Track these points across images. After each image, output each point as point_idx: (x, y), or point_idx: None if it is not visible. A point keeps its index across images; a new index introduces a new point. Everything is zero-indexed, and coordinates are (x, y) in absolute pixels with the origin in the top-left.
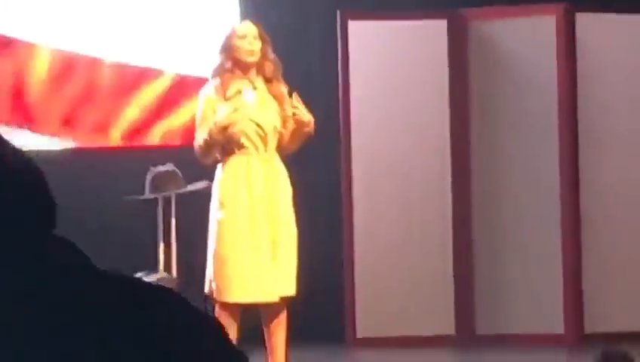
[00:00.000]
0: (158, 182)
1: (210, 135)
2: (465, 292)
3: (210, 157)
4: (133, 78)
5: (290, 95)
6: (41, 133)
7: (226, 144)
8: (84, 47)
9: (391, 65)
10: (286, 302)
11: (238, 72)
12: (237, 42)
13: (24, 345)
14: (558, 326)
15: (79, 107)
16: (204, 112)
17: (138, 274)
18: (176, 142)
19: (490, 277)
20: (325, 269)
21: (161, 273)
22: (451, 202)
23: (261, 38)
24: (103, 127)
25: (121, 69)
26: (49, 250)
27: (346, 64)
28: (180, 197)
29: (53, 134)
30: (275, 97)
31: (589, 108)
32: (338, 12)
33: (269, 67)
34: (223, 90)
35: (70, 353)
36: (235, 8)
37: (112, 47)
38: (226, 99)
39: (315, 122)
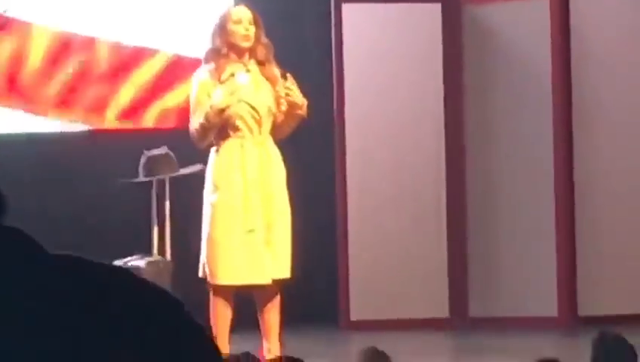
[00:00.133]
0: (152, 166)
1: (206, 118)
2: (459, 275)
3: (206, 141)
4: (129, 58)
5: (284, 77)
6: (35, 114)
7: (221, 127)
8: (80, 26)
9: (385, 48)
10: (280, 284)
11: (232, 56)
12: (232, 27)
13: None
14: (552, 309)
15: (74, 87)
16: (198, 96)
17: (132, 258)
18: (171, 124)
19: (484, 260)
20: (319, 252)
21: (155, 256)
22: (445, 185)
23: (255, 22)
24: (98, 108)
25: (116, 48)
26: None
27: (340, 47)
28: (174, 181)
29: (48, 115)
30: (268, 79)
31: (583, 90)
32: None
33: (261, 50)
34: (217, 74)
35: (20, 342)
36: None
37: (107, 26)
38: (221, 82)
39: (309, 105)
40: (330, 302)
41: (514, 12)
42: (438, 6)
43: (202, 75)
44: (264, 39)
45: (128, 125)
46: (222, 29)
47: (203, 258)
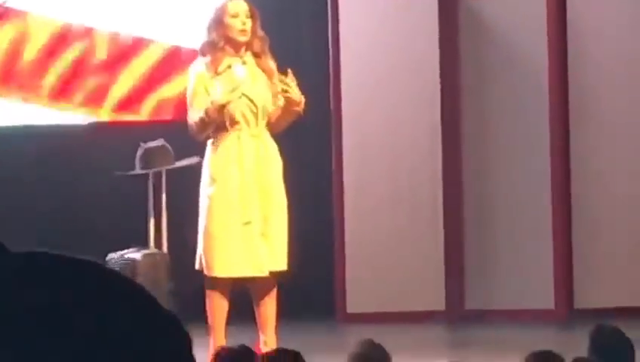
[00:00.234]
0: (149, 158)
1: (207, 114)
2: (455, 268)
3: (204, 134)
4: (127, 49)
5: (279, 71)
6: (32, 104)
7: (221, 122)
8: (77, 16)
9: (381, 42)
10: (276, 277)
11: (229, 50)
12: (229, 21)
13: None
14: (549, 302)
15: (72, 77)
16: (195, 89)
17: (129, 250)
18: (168, 115)
19: (480, 253)
20: (316, 245)
21: (152, 249)
22: (442, 179)
23: (252, 15)
24: (95, 98)
25: (114, 39)
26: None
27: (337, 42)
28: (171, 173)
29: (45, 105)
30: (264, 71)
31: (579, 85)
32: None
33: (257, 43)
34: (214, 67)
35: None
36: None
37: (105, 17)
38: (217, 74)
39: (306, 99)
40: (327, 295)
41: (510, 6)
42: (434, 0)
43: (199, 67)
44: (260, 32)
45: (126, 115)
46: (219, 22)
47: (199, 250)
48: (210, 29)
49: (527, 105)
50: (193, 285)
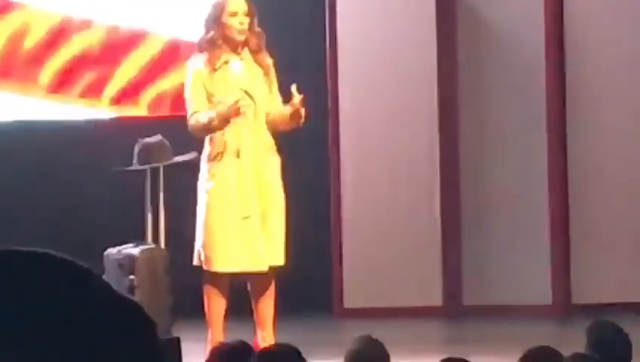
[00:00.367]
0: (147, 154)
1: (210, 124)
2: (452, 263)
3: (204, 136)
4: (126, 41)
5: (281, 77)
6: (31, 97)
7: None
8: (77, 9)
9: (379, 37)
10: (274, 272)
11: (226, 47)
12: (228, 20)
13: None
14: (546, 297)
15: (70, 70)
16: (193, 86)
17: (126, 245)
18: (166, 108)
19: (478, 249)
20: (313, 240)
21: (149, 244)
22: (439, 174)
23: (249, 13)
24: (94, 91)
25: (113, 31)
26: None
27: (334, 37)
28: (168, 168)
29: (43, 98)
30: (261, 67)
31: (577, 80)
32: None
33: (254, 40)
34: (211, 64)
35: None
36: None
37: (104, 9)
38: (215, 70)
39: (303, 93)
40: (324, 291)
41: (509, 5)
42: None
43: (197, 64)
44: (257, 28)
45: (124, 107)
46: (217, 20)
47: (198, 246)
48: (208, 26)
49: (525, 104)
50: (191, 280)
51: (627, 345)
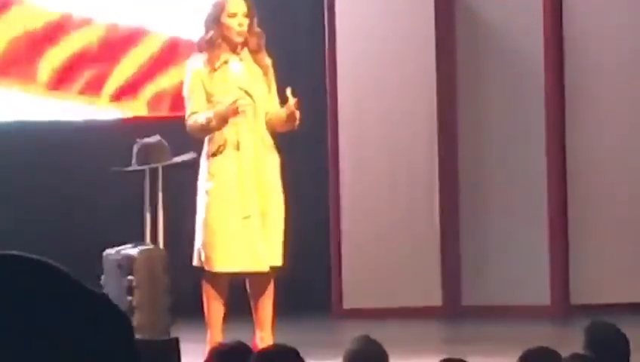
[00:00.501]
0: (145, 154)
1: (209, 124)
2: (451, 263)
3: (203, 136)
4: (125, 39)
5: (279, 80)
6: (30, 94)
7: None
8: (76, 7)
9: (378, 37)
10: (274, 272)
11: (225, 47)
12: (227, 21)
13: None
14: (544, 298)
15: (70, 68)
16: (192, 86)
17: (125, 246)
18: (165, 108)
19: (477, 249)
20: (312, 241)
21: (148, 244)
22: (438, 174)
23: (249, 14)
24: (93, 88)
25: (112, 29)
26: None
27: (333, 36)
28: (167, 169)
29: (42, 95)
30: (260, 67)
31: (576, 80)
32: None
33: (253, 40)
34: (211, 63)
35: None
36: None
37: (104, 7)
38: (214, 70)
39: (302, 93)
40: (323, 291)
41: (507, 5)
42: None
43: (196, 63)
44: (257, 29)
45: (124, 106)
46: (216, 21)
47: (198, 246)
48: (207, 26)
49: (524, 104)
50: (190, 281)
51: (625, 345)
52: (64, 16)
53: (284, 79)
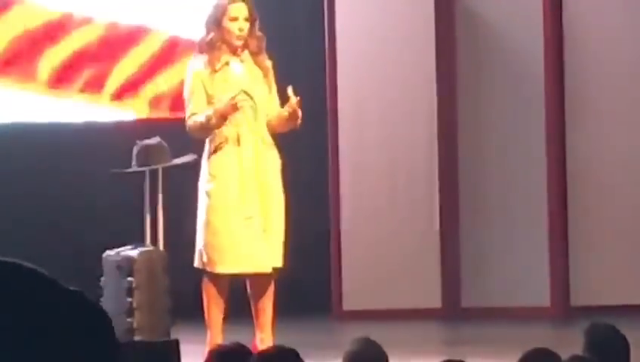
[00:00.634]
0: (145, 156)
1: (208, 121)
2: (451, 265)
3: (203, 136)
4: (125, 38)
5: (279, 80)
6: (31, 93)
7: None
8: (76, 6)
9: (378, 37)
10: (275, 273)
11: (225, 49)
12: (228, 24)
13: None
14: (544, 299)
15: (70, 67)
16: (192, 87)
17: (125, 247)
18: (166, 107)
19: (477, 251)
20: (312, 242)
21: (148, 246)
22: (438, 175)
23: (250, 18)
24: (94, 87)
25: (113, 28)
26: None
27: (333, 37)
28: (167, 170)
29: (44, 93)
30: (261, 69)
31: (575, 79)
32: None
33: (253, 43)
34: (211, 65)
35: None
36: None
37: (104, 6)
38: (215, 71)
39: (302, 94)
40: (323, 292)
41: (507, 4)
42: None
43: (197, 65)
44: (257, 32)
45: (125, 105)
46: (217, 23)
47: (200, 247)
48: (208, 28)
49: (524, 104)
50: (190, 282)
51: (625, 347)
52: (65, 15)
53: (284, 80)
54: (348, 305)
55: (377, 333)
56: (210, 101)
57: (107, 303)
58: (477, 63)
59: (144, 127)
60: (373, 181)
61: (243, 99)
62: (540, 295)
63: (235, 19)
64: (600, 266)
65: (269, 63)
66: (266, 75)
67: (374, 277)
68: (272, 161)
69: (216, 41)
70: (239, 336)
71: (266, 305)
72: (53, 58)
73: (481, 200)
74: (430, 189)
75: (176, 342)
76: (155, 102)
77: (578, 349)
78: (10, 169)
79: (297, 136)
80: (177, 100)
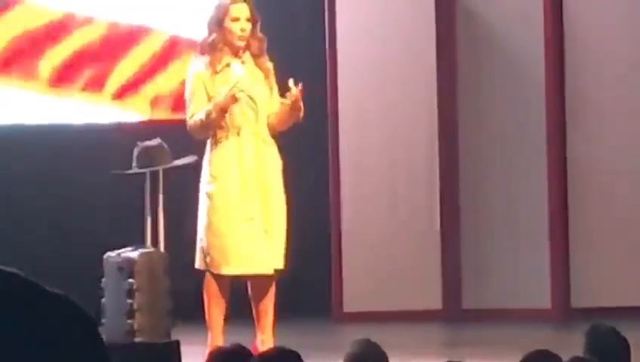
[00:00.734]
0: (146, 157)
1: (208, 116)
2: (452, 266)
3: (204, 135)
4: (127, 38)
5: (280, 78)
6: (32, 92)
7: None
8: (78, 5)
9: (378, 37)
10: (276, 275)
11: (227, 50)
12: (230, 25)
13: None
14: (545, 301)
15: (71, 66)
16: (193, 88)
17: (125, 249)
18: (165, 111)
19: (477, 253)
20: (313, 244)
21: (149, 248)
22: (438, 177)
23: (252, 19)
24: (96, 84)
25: (114, 28)
26: None
27: (334, 38)
28: (168, 172)
29: (45, 92)
30: (262, 71)
31: (576, 80)
32: None
33: (255, 44)
34: (213, 66)
35: None
36: None
37: (105, 6)
38: (217, 72)
39: (303, 95)
40: (324, 294)
41: (507, 5)
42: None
43: (198, 66)
44: (259, 34)
45: (126, 104)
46: (219, 24)
47: (201, 248)
48: (210, 29)
49: (524, 104)
50: (191, 283)
51: (626, 348)
52: (66, 15)
53: (284, 80)
54: (348, 306)
55: (378, 335)
56: (210, 102)
57: (108, 305)
58: (477, 64)
59: (145, 129)
60: (373, 182)
61: (241, 90)
62: (541, 296)
63: (236, 19)
64: (601, 268)
65: (270, 65)
66: (267, 77)
67: (375, 278)
68: (273, 162)
69: (218, 43)
70: (240, 338)
71: (267, 307)
72: (54, 57)
73: (482, 202)
74: (431, 190)
75: (177, 344)
76: (155, 101)
77: (579, 351)
78: (11, 170)
79: (298, 137)
80: (178, 101)
